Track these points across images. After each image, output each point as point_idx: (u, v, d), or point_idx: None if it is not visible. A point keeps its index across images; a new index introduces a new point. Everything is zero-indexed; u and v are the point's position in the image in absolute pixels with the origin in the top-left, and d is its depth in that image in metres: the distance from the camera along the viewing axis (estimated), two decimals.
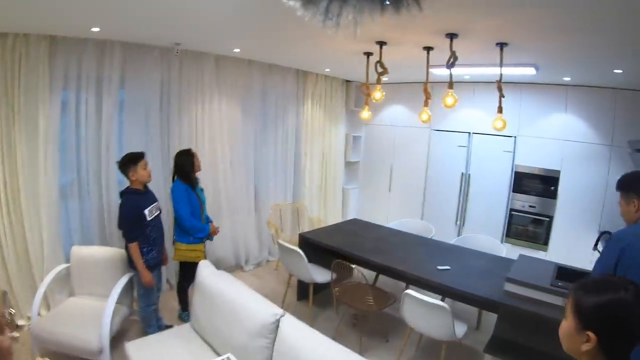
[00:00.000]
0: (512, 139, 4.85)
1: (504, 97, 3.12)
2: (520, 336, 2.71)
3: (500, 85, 3.08)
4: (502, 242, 4.91)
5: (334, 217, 6.00)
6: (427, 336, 2.95)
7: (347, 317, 3.77)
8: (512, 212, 4.95)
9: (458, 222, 5.38)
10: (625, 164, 4.08)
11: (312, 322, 3.42)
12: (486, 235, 4.21)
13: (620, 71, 3.29)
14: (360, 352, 3.12)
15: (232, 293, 2.47)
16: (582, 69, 3.56)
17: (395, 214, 5.91)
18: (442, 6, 2.06)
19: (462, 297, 3.01)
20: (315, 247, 3.82)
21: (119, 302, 2.84)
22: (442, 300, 2.90)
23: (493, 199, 5.09)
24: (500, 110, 3.17)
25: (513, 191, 4.91)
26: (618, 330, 0.94)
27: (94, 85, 3.49)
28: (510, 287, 2.77)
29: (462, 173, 5.31)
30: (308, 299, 3.60)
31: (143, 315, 3.05)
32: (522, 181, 4.85)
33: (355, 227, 4.35)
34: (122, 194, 2.89)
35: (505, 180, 4.97)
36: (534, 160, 4.75)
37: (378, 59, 3.31)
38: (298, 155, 5.46)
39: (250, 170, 4.76)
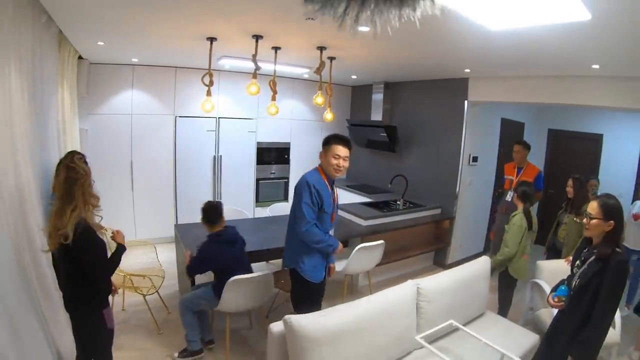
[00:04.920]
0: (255, 121, 5.86)
1: (332, 94, 4.24)
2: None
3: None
4: (254, 207, 6.03)
5: None
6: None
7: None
8: (259, 181, 6.10)
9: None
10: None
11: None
12: (276, 203, 5.24)
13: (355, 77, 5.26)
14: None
15: None
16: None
17: (145, 212, 5.33)
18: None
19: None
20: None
21: None
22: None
23: (243, 174, 5.96)
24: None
25: (257, 164, 6.03)
26: None
27: None
28: (368, 223, 4.24)
29: (214, 156, 5.71)
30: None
31: None
32: (264, 154, 6.06)
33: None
34: None
35: (251, 156, 5.96)
36: (271, 136, 6.05)
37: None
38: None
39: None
